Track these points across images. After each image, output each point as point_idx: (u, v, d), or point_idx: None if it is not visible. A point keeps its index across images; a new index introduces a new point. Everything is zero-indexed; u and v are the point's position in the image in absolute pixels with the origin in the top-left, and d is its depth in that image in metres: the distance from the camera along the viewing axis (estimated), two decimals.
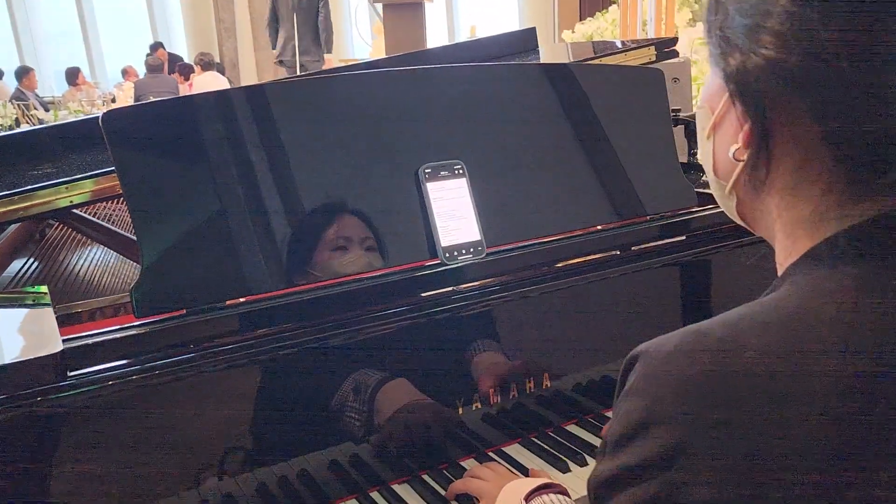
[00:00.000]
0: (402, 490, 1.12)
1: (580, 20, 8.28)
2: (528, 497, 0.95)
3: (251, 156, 1.08)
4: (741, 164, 0.65)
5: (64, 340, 0.91)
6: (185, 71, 8.48)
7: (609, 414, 1.28)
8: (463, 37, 9.98)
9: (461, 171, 1.19)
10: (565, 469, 1.14)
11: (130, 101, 7.98)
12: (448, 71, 1.27)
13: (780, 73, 0.56)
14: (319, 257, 1.10)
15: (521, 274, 1.19)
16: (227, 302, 1.03)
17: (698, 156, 0.75)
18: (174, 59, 9.10)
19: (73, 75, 8.63)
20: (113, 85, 9.35)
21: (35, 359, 0.85)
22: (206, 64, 8.25)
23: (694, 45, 4.13)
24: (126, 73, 8.97)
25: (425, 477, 1.14)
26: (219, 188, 1.05)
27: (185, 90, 8.31)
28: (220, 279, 1.03)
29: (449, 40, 10.17)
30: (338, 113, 1.15)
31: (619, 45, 2.24)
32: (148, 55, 8.54)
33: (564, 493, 0.96)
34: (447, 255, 1.15)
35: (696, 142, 1.90)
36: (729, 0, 0.61)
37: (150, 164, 1.02)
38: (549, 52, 2.51)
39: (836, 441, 0.51)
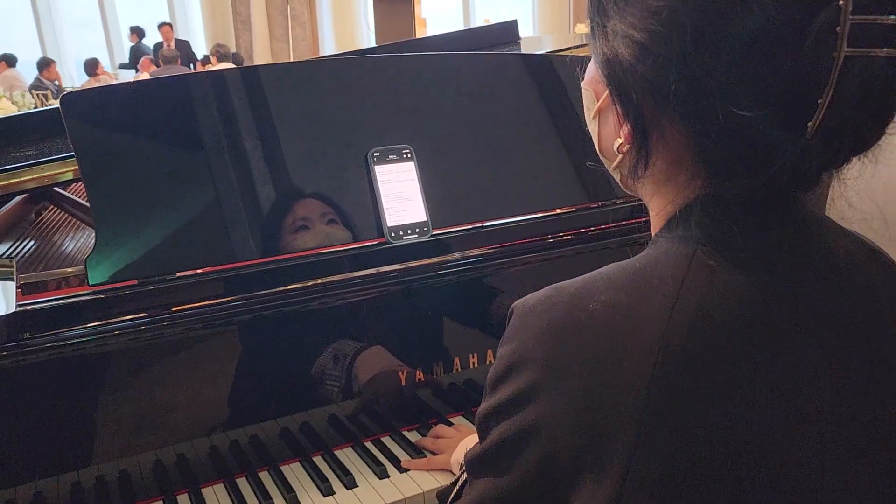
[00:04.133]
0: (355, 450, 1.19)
1: None
2: None
3: (207, 139, 1.14)
4: (619, 153, 0.70)
5: (20, 304, 0.98)
6: (205, 62, 8.63)
7: None
8: None
9: (409, 155, 1.25)
10: None
11: None
12: (400, 60, 1.32)
13: (645, 83, 0.61)
14: (272, 232, 1.17)
15: (464, 254, 1.25)
16: (178, 273, 1.10)
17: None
18: (182, 46, 9.24)
19: (92, 66, 8.78)
20: (131, 76, 9.49)
21: None
22: (223, 56, 8.36)
23: None
24: (142, 64, 9.11)
25: (368, 445, 1.21)
26: (174, 171, 1.12)
27: None
28: (171, 252, 1.10)
29: None
30: (293, 98, 1.21)
31: None
32: (156, 45, 8.62)
33: None
34: (392, 234, 1.21)
35: None
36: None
37: (107, 146, 1.09)
38: (560, 40, 2.57)
39: (652, 394, 0.56)
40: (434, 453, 1.17)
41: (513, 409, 0.63)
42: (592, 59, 0.72)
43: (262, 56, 9.98)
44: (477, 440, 1.06)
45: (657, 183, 0.69)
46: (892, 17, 0.52)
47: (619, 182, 0.77)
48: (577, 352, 0.59)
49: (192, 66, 9.14)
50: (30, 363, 0.98)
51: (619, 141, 0.69)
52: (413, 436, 1.24)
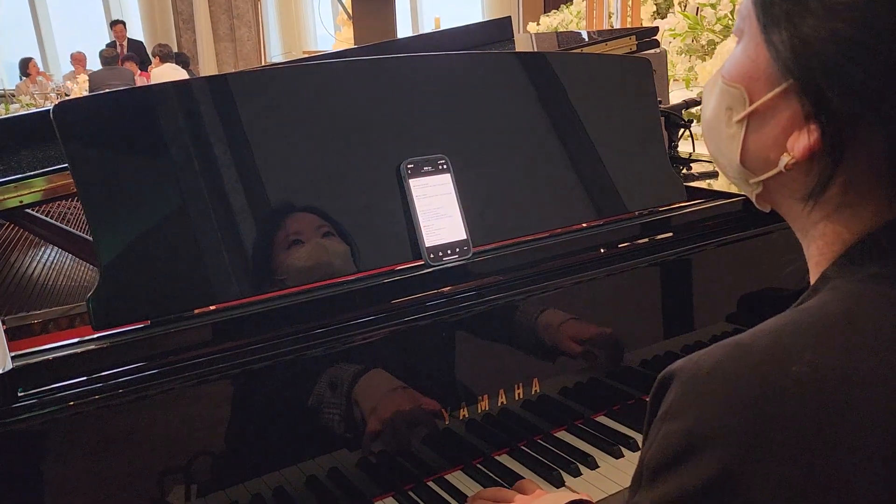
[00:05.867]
0: None
1: (545, 12, 8.25)
2: None
3: (218, 152, 0.99)
4: (784, 170, 0.58)
5: (14, 357, 0.82)
6: (137, 60, 8.21)
7: (600, 419, 1.22)
8: (427, 29, 9.87)
9: (445, 167, 1.12)
10: (559, 482, 1.08)
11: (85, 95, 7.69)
12: (428, 60, 1.19)
13: (853, 88, 0.51)
14: (298, 261, 1.02)
15: (510, 275, 1.12)
16: (196, 311, 0.94)
17: (704, 130, 0.68)
18: (134, 46, 8.83)
19: (25, 66, 8.33)
20: (65, 76, 9.05)
21: None
22: (165, 55, 8.01)
23: (662, 37, 4.11)
24: (74, 58, 8.66)
25: (411, 493, 1.07)
26: (183, 186, 0.96)
27: (141, 82, 8.06)
28: (188, 285, 0.94)
29: (413, 32, 10.07)
30: (311, 105, 1.07)
31: (586, 36, 2.17)
32: (106, 45, 8.25)
33: None
34: (431, 255, 1.08)
35: (676, 134, 1.83)
36: None
37: (107, 160, 0.93)
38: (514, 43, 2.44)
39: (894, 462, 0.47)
40: None
41: (694, 503, 0.50)
42: (743, 50, 0.60)
43: (206, 56, 9.65)
44: None
45: (831, 207, 0.58)
46: None
47: (754, 199, 0.66)
48: (784, 426, 0.48)
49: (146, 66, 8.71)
50: (19, 430, 0.81)
51: (787, 158, 0.58)
52: (456, 476, 1.11)
